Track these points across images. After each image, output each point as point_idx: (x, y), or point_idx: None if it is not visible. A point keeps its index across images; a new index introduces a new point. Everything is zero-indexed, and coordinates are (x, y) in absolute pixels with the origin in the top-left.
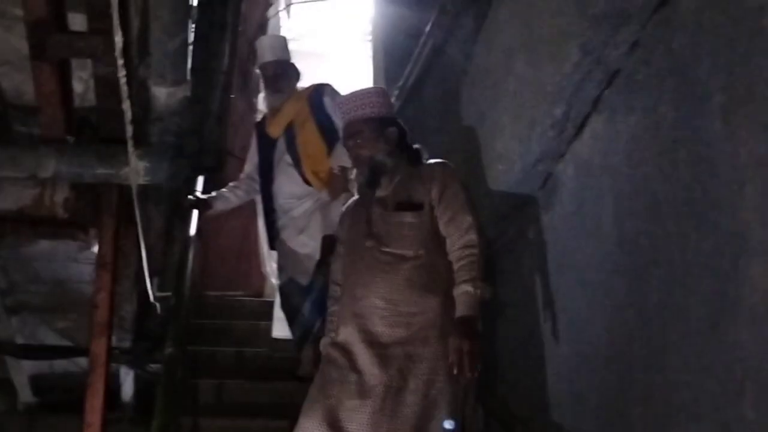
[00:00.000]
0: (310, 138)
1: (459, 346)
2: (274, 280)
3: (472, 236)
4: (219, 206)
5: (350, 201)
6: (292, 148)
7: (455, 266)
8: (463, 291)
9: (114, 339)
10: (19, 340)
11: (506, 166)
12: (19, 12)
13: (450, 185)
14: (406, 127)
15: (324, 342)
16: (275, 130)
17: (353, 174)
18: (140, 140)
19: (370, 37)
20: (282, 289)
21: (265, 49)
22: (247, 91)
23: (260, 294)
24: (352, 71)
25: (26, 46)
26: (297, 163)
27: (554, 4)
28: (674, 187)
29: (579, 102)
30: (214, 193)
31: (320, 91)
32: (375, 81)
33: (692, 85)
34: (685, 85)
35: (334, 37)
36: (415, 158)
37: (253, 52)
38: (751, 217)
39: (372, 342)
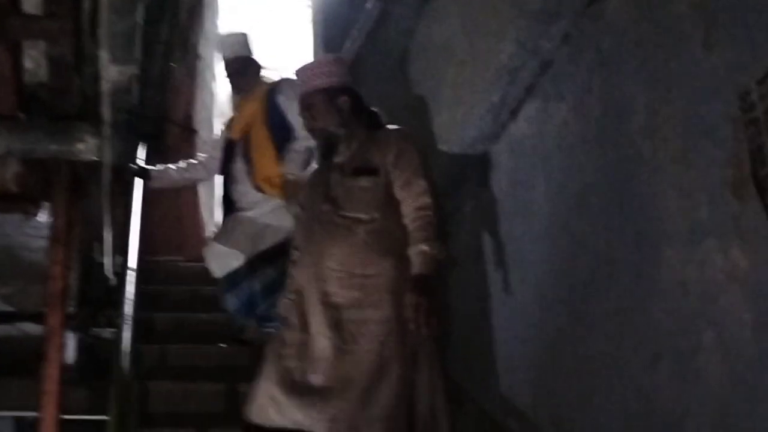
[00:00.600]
0: (261, 142)
1: (416, 302)
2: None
3: (426, 199)
4: (160, 182)
5: (312, 169)
6: (246, 153)
7: (410, 228)
8: (419, 250)
9: None
10: None
11: (445, 146)
12: None
13: (405, 150)
14: (359, 93)
15: (282, 302)
16: (235, 133)
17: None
18: (91, 117)
19: (309, 4)
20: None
21: (225, 46)
22: (187, 59)
23: (200, 259)
24: (291, 39)
25: None
26: (250, 170)
27: (491, 7)
28: (601, 174)
29: (514, 89)
30: (159, 167)
31: (276, 89)
32: (314, 49)
33: (618, 81)
34: (612, 80)
35: (272, 5)
36: (373, 122)
37: (192, 19)
38: (669, 207)
39: (328, 303)
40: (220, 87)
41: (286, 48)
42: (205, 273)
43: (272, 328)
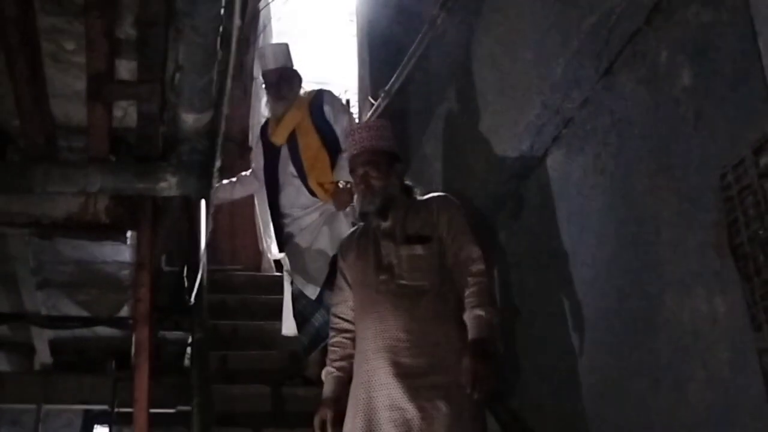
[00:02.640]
0: (312, 148)
1: (473, 367)
2: (271, 257)
3: (480, 266)
4: (217, 199)
5: (348, 233)
6: (296, 157)
7: (465, 293)
8: (475, 315)
9: (127, 309)
10: (44, 311)
11: (479, 184)
12: (71, 58)
13: (455, 217)
14: (403, 160)
15: (326, 372)
16: (279, 137)
17: (356, 200)
18: (172, 158)
19: (354, 18)
20: (293, 296)
21: (267, 57)
22: (242, 79)
23: (258, 268)
24: (335, 51)
25: (77, 83)
26: (301, 174)
27: (521, 68)
28: (613, 224)
29: (541, 139)
30: (216, 185)
31: (320, 98)
32: (360, 68)
33: (627, 142)
34: (622, 141)
35: (317, 17)
36: (409, 193)
37: (246, 41)
38: (667, 259)
39: (403, 374)
40: None
41: (334, 64)
42: (258, 281)
43: None
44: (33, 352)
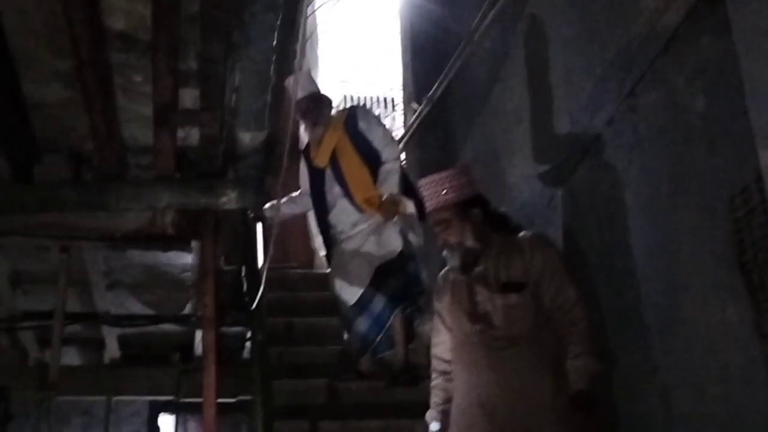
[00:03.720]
0: (354, 166)
1: (583, 423)
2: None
3: (579, 310)
4: (270, 214)
5: (445, 270)
6: (340, 178)
7: (566, 340)
8: (578, 366)
9: (189, 307)
10: (113, 311)
11: (517, 192)
12: (139, 88)
13: (549, 259)
14: (487, 198)
15: (430, 416)
16: (321, 160)
17: (445, 253)
18: (230, 174)
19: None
20: (336, 303)
21: (296, 87)
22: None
23: (311, 265)
24: (379, 52)
25: (144, 109)
26: (348, 194)
27: (551, 88)
28: (638, 237)
29: (572, 154)
30: (270, 207)
31: (354, 115)
32: (403, 66)
33: (650, 160)
34: (645, 159)
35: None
36: (504, 224)
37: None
38: (686, 273)
39: (498, 423)
40: None
41: (379, 64)
42: (310, 278)
43: (385, 355)
44: (102, 347)
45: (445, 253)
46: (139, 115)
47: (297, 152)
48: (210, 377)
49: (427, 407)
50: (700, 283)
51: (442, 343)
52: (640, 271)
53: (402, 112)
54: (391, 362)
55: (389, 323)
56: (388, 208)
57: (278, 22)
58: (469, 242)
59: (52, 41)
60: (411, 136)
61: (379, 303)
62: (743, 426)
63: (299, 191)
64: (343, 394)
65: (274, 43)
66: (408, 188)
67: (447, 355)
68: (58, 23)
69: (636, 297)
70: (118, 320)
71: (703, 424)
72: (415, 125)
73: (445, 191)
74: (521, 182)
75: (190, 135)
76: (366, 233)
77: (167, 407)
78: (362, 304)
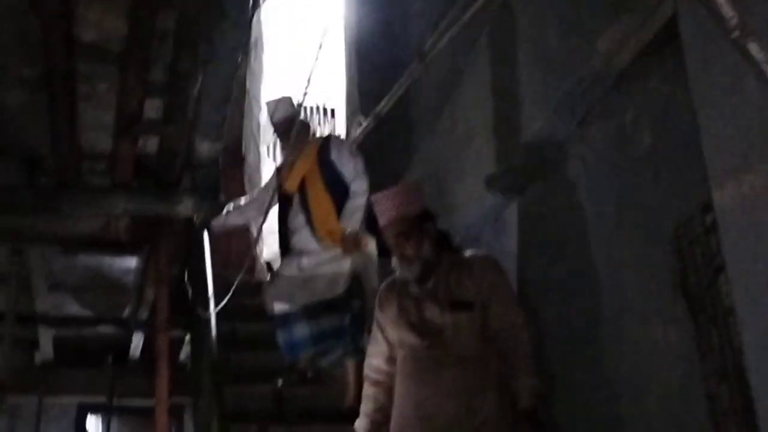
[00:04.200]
0: (319, 197)
1: None
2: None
3: (524, 334)
4: (218, 229)
5: (389, 281)
6: (305, 206)
7: (511, 360)
8: (526, 385)
9: (128, 310)
10: (53, 312)
11: (465, 211)
12: (103, 97)
13: (499, 282)
14: (435, 213)
15: (360, 425)
16: (291, 186)
17: (395, 264)
18: (187, 182)
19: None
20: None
21: (273, 110)
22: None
23: (253, 272)
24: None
25: (106, 117)
26: (310, 224)
27: (505, 112)
28: (586, 253)
29: (521, 176)
30: (218, 217)
31: (327, 145)
32: (347, 80)
33: (597, 188)
34: (593, 185)
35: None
36: (448, 241)
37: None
38: (630, 294)
39: None
40: (265, 117)
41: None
42: (253, 284)
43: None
44: (36, 347)
45: (394, 265)
46: (99, 123)
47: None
48: (162, 383)
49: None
50: (644, 305)
51: (380, 354)
52: (587, 291)
53: (345, 124)
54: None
55: (303, 354)
56: (349, 245)
57: (244, 40)
58: (428, 254)
59: (21, 50)
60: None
61: (303, 330)
62: (686, 427)
63: (247, 200)
64: (287, 399)
65: (240, 59)
66: (371, 225)
67: (383, 366)
68: (31, 33)
69: (581, 316)
70: (63, 322)
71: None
72: (360, 139)
73: (403, 204)
74: (470, 201)
75: (149, 143)
76: (323, 260)
77: (95, 409)
78: (285, 320)
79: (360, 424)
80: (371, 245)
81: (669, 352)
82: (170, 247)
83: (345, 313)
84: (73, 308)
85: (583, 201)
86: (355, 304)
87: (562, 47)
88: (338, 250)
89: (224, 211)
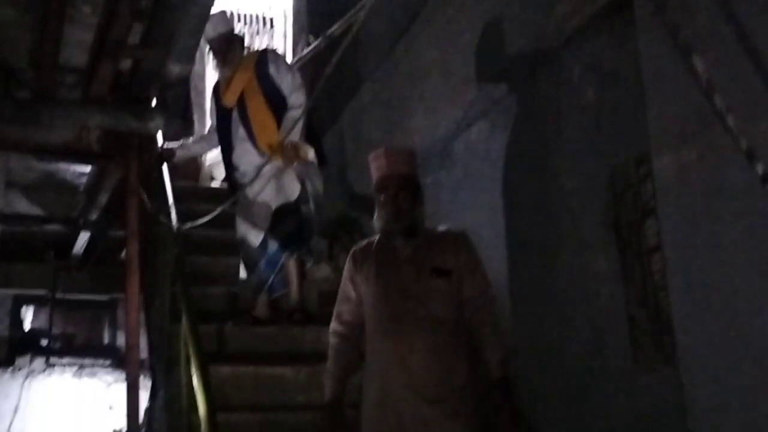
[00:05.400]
0: (259, 110)
1: (509, 409)
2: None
3: (493, 306)
4: (181, 154)
5: (363, 243)
6: (245, 120)
7: (481, 330)
8: (495, 354)
9: (77, 211)
10: (6, 210)
11: (418, 139)
12: (85, 19)
13: (473, 256)
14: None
15: (330, 375)
16: (229, 100)
17: (380, 217)
18: (158, 101)
19: None
20: (239, 241)
21: (207, 28)
22: None
23: (197, 179)
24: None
25: (87, 36)
26: (251, 137)
27: (459, 55)
28: (526, 188)
29: (469, 113)
30: (179, 143)
31: (264, 59)
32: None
33: (542, 131)
34: (538, 129)
35: None
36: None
37: None
38: (565, 225)
39: (423, 398)
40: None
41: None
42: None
43: (280, 294)
44: None
45: (375, 221)
46: (79, 41)
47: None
48: (133, 289)
49: (317, 355)
50: (578, 237)
51: (350, 311)
52: (525, 220)
53: (292, 40)
54: (286, 303)
55: (281, 263)
56: (289, 154)
57: None
58: (417, 215)
59: None
60: (301, 69)
61: (273, 244)
62: (605, 347)
63: (207, 129)
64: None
65: None
66: (311, 135)
67: (353, 320)
68: None
69: (519, 242)
70: (12, 218)
71: (571, 347)
72: (307, 58)
73: (409, 164)
74: (421, 131)
75: (125, 62)
76: (266, 178)
77: (32, 300)
78: (264, 245)
79: (329, 385)
80: (311, 154)
81: (597, 279)
82: (141, 160)
83: (296, 219)
84: (24, 206)
85: (527, 140)
86: (304, 209)
87: (522, 7)
88: (279, 163)
89: (184, 141)
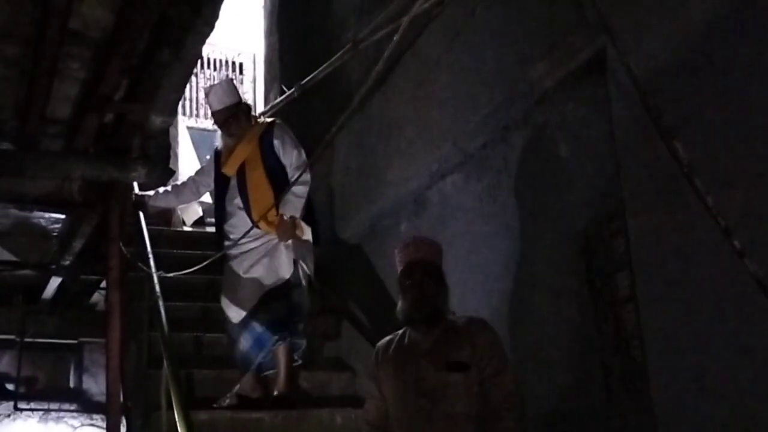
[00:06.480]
0: (259, 183)
1: None
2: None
3: (515, 398)
4: (153, 203)
5: (384, 342)
6: (242, 191)
7: (499, 413)
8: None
9: (50, 256)
10: None
11: (393, 190)
12: (73, 74)
13: (493, 344)
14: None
15: None
16: (229, 169)
17: (403, 305)
18: (139, 151)
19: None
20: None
21: (212, 99)
22: None
23: (168, 224)
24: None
25: (73, 91)
26: (247, 207)
27: (435, 110)
28: (502, 240)
29: (444, 165)
30: (155, 194)
31: (270, 132)
32: (267, 46)
33: (517, 183)
34: (512, 181)
35: None
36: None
37: None
38: (539, 272)
39: None
40: None
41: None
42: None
43: (269, 374)
44: None
45: (401, 303)
46: (66, 95)
47: None
48: (114, 336)
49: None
50: (554, 288)
51: (376, 409)
52: (504, 274)
53: (264, 87)
54: (274, 382)
55: (269, 346)
56: (285, 230)
57: (210, 29)
58: (440, 302)
59: (9, 33)
60: (272, 116)
61: (260, 326)
62: (581, 394)
63: (185, 180)
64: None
65: (206, 42)
66: (309, 214)
67: (380, 421)
68: (23, 22)
69: (498, 294)
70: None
71: (549, 393)
72: (279, 106)
73: (434, 253)
74: (397, 180)
75: (109, 115)
76: (258, 253)
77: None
78: (245, 323)
79: None
80: (307, 233)
81: (572, 327)
82: (121, 209)
83: (286, 302)
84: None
85: (501, 192)
86: (296, 294)
87: (497, 67)
88: (273, 238)
89: (161, 189)
